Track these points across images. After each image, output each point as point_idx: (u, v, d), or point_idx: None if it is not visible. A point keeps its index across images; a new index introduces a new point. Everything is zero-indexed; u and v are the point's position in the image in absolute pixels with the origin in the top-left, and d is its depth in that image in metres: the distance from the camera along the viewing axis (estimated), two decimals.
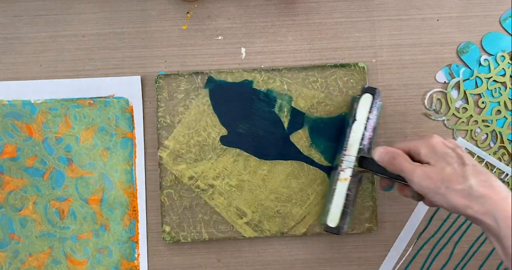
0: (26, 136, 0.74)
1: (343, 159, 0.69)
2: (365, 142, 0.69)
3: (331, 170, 0.74)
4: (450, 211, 0.58)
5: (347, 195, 0.68)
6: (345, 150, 0.69)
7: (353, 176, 0.68)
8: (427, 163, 0.59)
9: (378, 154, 0.64)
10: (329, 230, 0.69)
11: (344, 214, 0.68)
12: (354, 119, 0.69)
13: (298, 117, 0.74)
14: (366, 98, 0.70)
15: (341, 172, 0.69)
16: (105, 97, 0.75)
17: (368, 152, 0.68)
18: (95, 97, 0.75)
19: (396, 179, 0.64)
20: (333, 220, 0.68)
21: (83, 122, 0.75)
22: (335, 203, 0.69)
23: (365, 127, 0.69)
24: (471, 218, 0.56)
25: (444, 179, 0.57)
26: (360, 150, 0.68)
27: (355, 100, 0.71)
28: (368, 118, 0.69)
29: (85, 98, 0.75)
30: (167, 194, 0.74)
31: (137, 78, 0.75)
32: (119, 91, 0.75)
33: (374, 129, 0.70)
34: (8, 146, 0.74)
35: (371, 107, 0.70)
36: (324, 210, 0.71)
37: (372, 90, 0.70)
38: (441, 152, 0.59)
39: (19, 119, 0.74)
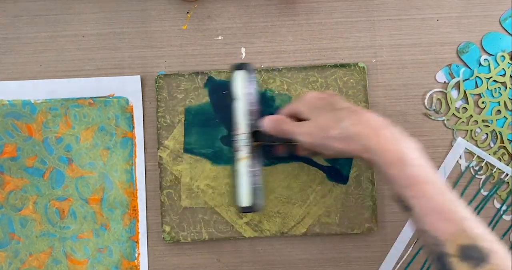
0: (26, 135, 0.74)
1: (236, 139, 0.69)
2: (253, 117, 0.69)
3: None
4: (340, 157, 0.63)
5: (252, 172, 0.69)
6: (235, 130, 0.69)
7: (251, 152, 0.69)
8: (307, 119, 0.62)
9: (265, 124, 0.65)
10: (246, 210, 0.69)
11: (255, 190, 0.68)
12: (233, 99, 0.70)
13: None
14: (239, 75, 0.70)
15: (239, 152, 0.69)
16: (105, 97, 0.75)
17: (257, 125, 0.68)
18: (95, 97, 0.75)
19: (289, 143, 0.66)
20: (246, 200, 0.68)
21: (83, 122, 0.75)
22: (242, 183, 0.69)
23: (249, 103, 0.70)
24: (355, 156, 0.60)
25: (321, 129, 0.60)
26: (249, 126, 0.69)
27: (229, 80, 0.72)
28: (248, 93, 0.70)
29: (85, 98, 0.75)
30: (167, 194, 0.74)
31: (137, 78, 0.75)
32: (119, 91, 0.75)
33: (257, 103, 0.71)
34: (8, 146, 0.74)
35: (248, 82, 0.70)
36: (234, 194, 0.71)
37: (243, 66, 0.70)
38: (316, 104, 0.62)
39: (19, 119, 0.74)
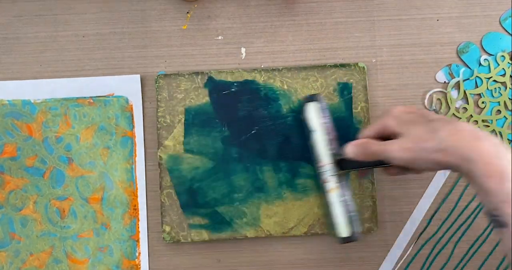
0: (26, 135, 0.74)
1: (320, 171, 0.70)
2: (333, 146, 0.70)
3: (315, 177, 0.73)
4: (437, 170, 0.61)
5: (344, 201, 0.69)
6: (319, 162, 0.70)
7: (338, 182, 0.69)
8: (398, 134, 0.60)
9: (350, 151, 0.65)
10: (347, 241, 0.69)
11: (351, 219, 0.69)
12: (311, 131, 0.70)
13: (298, 117, 0.74)
14: (312, 107, 0.71)
15: (326, 184, 0.69)
16: (104, 96, 0.75)
17: (340, 153, 0.68)
18: (94, 97, 0.75)
19: (378, 165, 0.65)
20: (344, 230, 0.69)
21: (83, 122, 0.75)
22: (337, 214, 0.69)
23: (326, 132, 0.70)
24: (452, 168, 0.57)
25: (417, 142, 0.58)
26: (332, 155, 0.69)
27: (302, 112, 0.72)
28: (323, 123, 0.70)
29: (84, 97, 0.75)
30: (167, 194, 0.74)
31: (137, 77, 0.75)
32: (119, 90, 0.75)
33: (334, 130, 0.71)
34: (8, 146, 0.74)
35: (321, 112, 0.71)
36: (329, 224, 0.71)
37: (314, 98, 0.71)
38: (406, 119, 0.61)
39: (19, 119, 0.75)
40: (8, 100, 0.75)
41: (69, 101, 0.75)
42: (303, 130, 0.72)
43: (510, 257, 0.54)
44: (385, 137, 0.63)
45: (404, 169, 0.64)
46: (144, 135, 0.75)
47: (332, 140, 0.70)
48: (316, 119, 0.71)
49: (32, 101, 0.75)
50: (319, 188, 0.72)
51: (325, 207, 0.71)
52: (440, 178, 0.75)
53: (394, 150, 0.60)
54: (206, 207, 0.74)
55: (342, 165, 0.69)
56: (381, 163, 0.64)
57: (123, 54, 0.76)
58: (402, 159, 0.59)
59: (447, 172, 0.75)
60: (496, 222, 0.54)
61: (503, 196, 0.53)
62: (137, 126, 0.75)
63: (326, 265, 0.75)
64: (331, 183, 0.69)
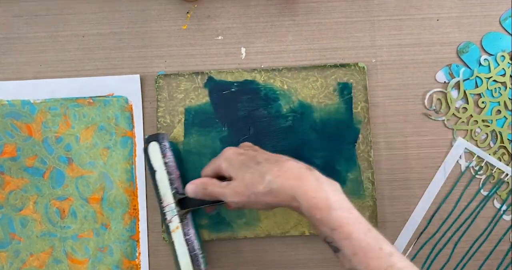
0: (26, 135, 0.74)
1: (164, 211, 0.70)
2: (176, 185, 0.70)
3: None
4: (270, 209, 0.63)
5: (187, 240, 0.69)
6: (162, 202, 0.70)
7: (181, 221, 0.70)
8: (231, 177, 0.63)
9: (190, 191, 0.66)
10: None
11: (194, 258, 0.69)
12: (154, 170, 0.71)
13: (298, 117, 0.74)
14: (153, 147, 0.71)
15: (170, 224, 0.70)
16: (104, 96, 0.75)
17: (182, 192, 0.69)
18: (94, 97, 0.75)
19: (218, 204, 0.67)
20: (188, 269, 0.69)
21: (83, 122, 0.75)
22: (180, 254, 0.70)
23: (168, 172, 0.70)
24: (284, 206, 0.60)
25: (248, 187, 0.61)
26: (175, 195, 0.70)
27: (144, 152, 0.72)
28: (165, 163, 0.70)
29: (84, 97, 0.75)
30: None
31: (136, 77, 0.75)
32: (119, 90, 0.75)
33: (176, 169, 0.72)
34: (8, 146, 0.74)
35: (162, 152, 0.71)
36: (175, 264, 0.70)
37: (154, 137, 0.71)
38: (237, 161, 0.64)
39: (19, 119, 0.75)
40: (7, 101, 0.75)
41: (68, 102, 0.75)
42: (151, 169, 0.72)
43: None
44: (223, 177, 0.65)
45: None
46: (144, 134, 0.75)
47: (175, 179, 0.71)
48: (158, 159, 0.71)
49: (32, 102, 0.75)
50: (166, 229, 0.71)
51: (172, 249, 0.70)
52: (440, 178, 0.75)
53: (227, 193, 0.62)
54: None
55: (184, 203, 0.69)
56: (220, 201, 0.65)
57: (123, 54, 0.76)
58: (235, 202, 0.62)
59: (447, 172, 0.75)
60: (332, 247, 0.59)
61: (332, 224, 0.57)
62: (137, 126, 0.75)
63: (326, 265, 0.75)
64: (174, 222, 0.70)
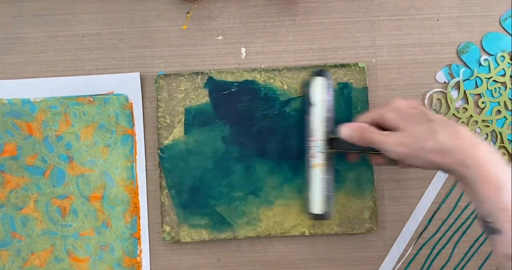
0: (26, 134, 0.75)
1: (310, 145, 0.70)
2: (329, 123, 0.70)
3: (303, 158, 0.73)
4: (427, 168, 0.60)
5: (326, 180, 0.69)
6: (311, 136, 0.70)
7: (325, 159, 0.69)
8: (396, 128, 0.61)
9: (346, 132, 0.65)
10: (318, 218, 0.70)
11: (328, 198, 0.69)
12: (311, 104, 0.70)
13: (298, 117, 0.74)
14: (318, 81, 0.71)
15: (312, 159, 0.69)
16: (104, 94, 0.76)
17: (333, 132, 0.69)
18: (94, 95, 0.75)
19: (368, 151, 0.66)
20: (318, 207, 0.69)
21: (83, 120, 0.75)
22: (315, 190, 0.70)
23: (326, 109, 0.70)
24: (447, 170, 0.58)
25: (416, 140, 0.59)
26: (325, 133, 0.69)
27: (306, 85, 0.72)
28: (324, 100, 0.70)
29: (84, 96, 0.75)
30: (167, 194, 0.74)
31: (136, 75, 0.76)
32: (118, 88, 0.76)
33: (333, 110, 0.71)
34: (8, 145, 0.75)
35: (326, 88, 0.71)
36: (306, 199, 0.71)
37: (323, 73, 0.71)
38: (407, 114, 0.61)
39: (19, 118, 0.75)
40: (7, 100, 0.75)
41: (68, 100, 0.75)
42: (304, 104, 0.72)
43: (503, 264, 0.54)
44: (380, 126, 0.64)
45: (393, 161, 0.65)
46: (144, 135, 0.75)
47: (329, 119, 0.70)
48: (319, 94, 0.71)
49: (32, 100, 0.75)
50: (305, 162, 0.71)
51: (306, 182, 0.71)
52: (440, 178, 0.75)
53: (390, 142, 0.60)
54: (206, 207, 0.74)
55: (333, 144, 0.69)
56: (371, 150, 0.64)
57: (123, 54, 0.76)
58: (397, 153, 0.60)
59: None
60: (489, 228, 0.55)
61: (498, 203, 0.54)
62: (137, 124, 0.75)
63: (326, 265, 0.75)
64: (318, 159, 0.69)
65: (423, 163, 0.59)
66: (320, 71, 0.72)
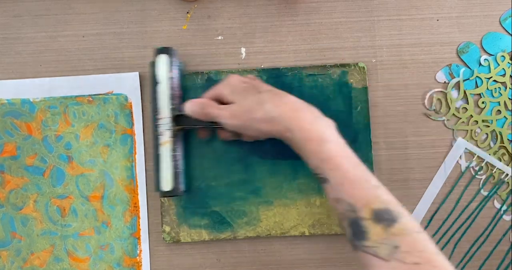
0: (25, 134, 0.75)
1: (158, 123, 0.70)
2: (175, 101, 0.71)
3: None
4: (262, 137, 0.66)
5: (174, 156, 0.70)
6: (158, 114, 0.70)
7: (173, 136, 0.70)
8: (231, 102, 0.66)
9: (188, 108, 0.68)
10: (167, 195, 0.70)
11: (176, 175, 0.70)
12: (156, 82, 0.71)
13: None
14: (162, 59, 0.71)
15: (161, 136, 0.70)
16: (103, 94, 0.76)
17: (180, 109, 0.70)
18: (93, 95, 0.75)
19: (211, 126, 0.69)
20: (167, 183, 0.70)
21: (83, 120, 0.75)
22: (163, 167, 0.70)
23: (171, 87, 0.71)
24: (277, 136, 0.64)
25: (246, 111, 0.64)
26: (173, 110, 0.70)
27: (152, 64, 0.72)
28: (170, 78, 0.71)
29: (84, 95, 0.75)
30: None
31: (135, 75, 0.76)
32: (118, 88, 0.76)
33: (179, 87, 0.72)
34: (8, 145, 0.75)
35: (170, 66, 0.71)
36: (155, 177, 0.71)
37: (166, 50, 0.72)
38: (240, 88, 0.66)
39: (18, 118, 0.75)
40: (7, 100, 0.75)
41: (68, 100, 0.75)
42: (151, 83, 0.72)
43: (334, 206, 0.61)
44: (220, 102, 0.68)
45: (236, 134, 0.70)
46: (143, 134, 0.75)
47: (175, 96, 0.71)
48: (164, 72, 0.71)
49: (31, 100, 0.75)
50: (153, 140, 0.72)
51: (154, 160, 0.71)
52: (440, 178, 0.75)
53: (225, 115, 0.65)
54: (206, 207, 0.74)
55: (180, 121, 0.70)
56: (214, 124, 0.67)
57: (123, 54, 0.76)
58: (232, 124, 0.65)
59: (447, 172, 0.75)
60: (320, 179, 0.61)
61: (322, 155, 0.60)
62: (136, 124, 0.75)
63: (326, 265, 0.75)
64: (165, 136, 0.70)
65: (256, 132, 0.64)
66: (163, 49, 0.72)
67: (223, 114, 0.65)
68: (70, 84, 0.76)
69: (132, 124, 0.75)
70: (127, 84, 0.76)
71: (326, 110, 0.74)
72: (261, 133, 0.64)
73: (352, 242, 0.59)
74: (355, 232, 0.58)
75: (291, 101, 0.64)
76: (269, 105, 0.63)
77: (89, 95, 0.75)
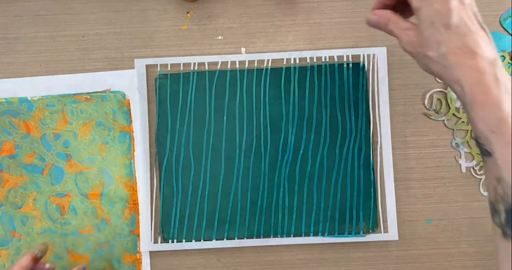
0: (24, 133, 0.75)
1: None
2: None
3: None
4: (431, 74, 0.58)
5: None
6: None
7: None
8: (415, 12, 0.56)
9: (374, 21, 0.61)
10: None
11: None
12: None
13: (299, 117, 0.74)
14: None
15: None
16: (101, 92, 0.76)
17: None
18: (91, 92, 0.76)
19: None
20: None
21: (81, 118, 0.75)
22: None
23: None
24: (445, 82, 0.55)
25: (421, 44, 0.56)
26: None
27: None
28: None
29: (81, 93, 0.76)
30: (167, 194, 0.74)
31: (133, 72, 0.76)
32: (115, 85, 0.76)
33: None
34: (6, 144, 0.75)
35: None
36: None
37: None
38: (434, 5, 0.55)
39: (16, 117, 0.75)
40: (4, 98, 0.76)
41: (66, 98, 0.75)
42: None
43: (495, 187, 0.53)
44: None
45: None
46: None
47: None
48: None
49: (29, 99, 0.75)
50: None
51: None
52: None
53: (403, 39, 0.58)
54: (206, 206, 0.74)
55: None
56: None
57: (123, 54, 0.76)
58: (406, 50, 0.58)
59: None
60: (482, 150, 0.54)
61: (493, 125, 0.52)
62: (134, 121, 0.75)
63: (326, 265, 0.75)
64: None
65: (425, 68, 0.57)
66: None
67: (402, 38, 0.58)
68: (67, 82, 0.76)
69: (130, 121, 0.76)
70: (125, 81, 0.76)
71: (326, 110, 0.74)
72: (432, 73, 0.57)
73: (504, 229, 0.52)
74: (509, 221, 0.52)
75: (479, 49, 0.53)
76: (446, 48, 0.54)
77: (87, 93, 0.76)
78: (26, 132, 0.75)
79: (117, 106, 0.75)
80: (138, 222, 0.75)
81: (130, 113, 0.76)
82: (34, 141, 0.75)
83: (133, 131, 0.75)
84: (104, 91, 0.76)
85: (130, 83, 0.76)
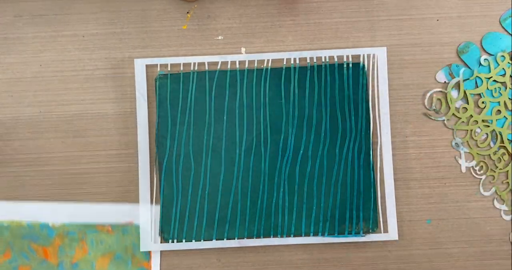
0: (41, 258, 0.74)
1: None
2: None
3: None
4: None
5: None
6: None
7: None
8: None
9: None
10: None
11: None
12: None
13: (299, 117, 0.74)
14: None
15: None
16: (123, 224, 0.75)
17: None
18: (113, 224, 0.75)
19: None
20: None
21: (100, 249, 0.74)
22: None
23: None
24: None
25: None
26: None
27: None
28: None
29: (103, 224, 0.75)
30: (167, 194, 0.74)
31: (153, 207, 0.75)
32: (137, 218, 0.75)
33: None
34: (22, 268, 0.74)
35: None
36: None
37: None
38: None
39: (36, 242, 0.74)
40: (27, 222, 0.74)
41: (87, 227, 0.74)
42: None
43: None
44: None
45: None
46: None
47: None
48: None
49: (50, 225, 0.74)
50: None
51: None
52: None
53: None
54: (206, 206, 0.74)
55: None
56: None
57: (123, 54, 0.76)
58: None
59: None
60: None
61: None
62: (153, 259, 0.75)
63: (326, 265, 0.75)
64: None
65: None
66: None
67: None
68: (90, 210, 0.75)
69: (149, 258, 0.75)
70: (148, 216, 0.75)
71: (326, 110, 0.74)
72: None
73: None
74: None
75: None
76: None
77: (109, 224, 0.74)
78: (44, 258, 0.74)
79: (137, 241, 0.74)
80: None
81: (150, 254, 0.75)
82: (51, 268, 0.74)
83: (151, 268, 0.75)
84: (126, 224, 0.75)
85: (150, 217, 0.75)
